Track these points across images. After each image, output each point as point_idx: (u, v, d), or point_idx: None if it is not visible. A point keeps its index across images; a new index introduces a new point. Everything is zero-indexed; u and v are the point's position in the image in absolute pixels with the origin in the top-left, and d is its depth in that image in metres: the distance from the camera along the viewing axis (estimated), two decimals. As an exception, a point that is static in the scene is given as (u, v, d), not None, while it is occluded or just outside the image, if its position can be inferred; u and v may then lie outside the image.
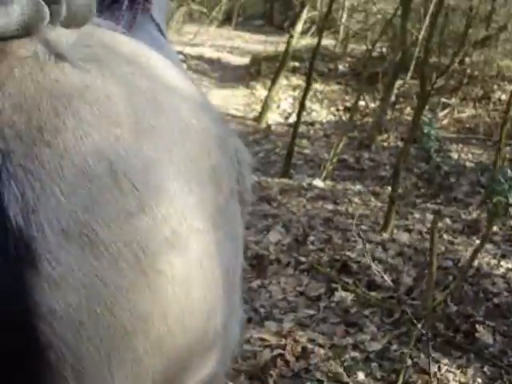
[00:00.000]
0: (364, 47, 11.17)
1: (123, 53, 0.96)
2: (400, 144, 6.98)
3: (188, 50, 12.80)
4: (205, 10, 14.42)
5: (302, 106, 5.76)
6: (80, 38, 0.89)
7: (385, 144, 7.06)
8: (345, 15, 12.77)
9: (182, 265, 0.85)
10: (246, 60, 12.89)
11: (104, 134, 0.79)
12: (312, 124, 7.75)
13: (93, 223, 0.75)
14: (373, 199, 5.22)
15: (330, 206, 4.88)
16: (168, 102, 0.93)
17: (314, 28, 13.21)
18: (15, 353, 0.75)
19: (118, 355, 0.81)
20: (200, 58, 12.40)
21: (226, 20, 18.57)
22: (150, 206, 0.80)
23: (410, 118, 7.68)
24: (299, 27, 8.57)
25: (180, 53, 10.94)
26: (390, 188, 4.91)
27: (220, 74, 11.29)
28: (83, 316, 0.76)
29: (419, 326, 2.60)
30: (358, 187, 5.50)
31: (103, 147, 0.78)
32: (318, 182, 5.33)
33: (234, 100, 9.41)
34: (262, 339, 2.88)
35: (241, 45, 16.12)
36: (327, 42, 12.37)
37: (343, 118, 8.51)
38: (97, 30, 0.99)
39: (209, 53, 13.61)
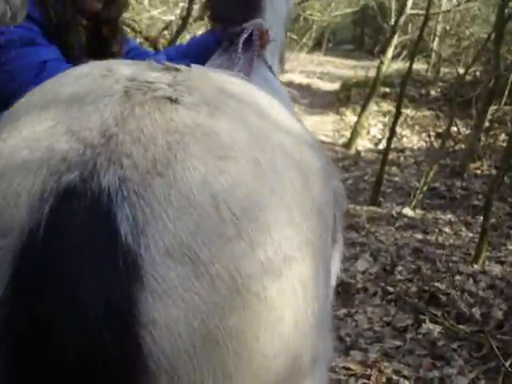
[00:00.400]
0: (456, 72, 11.00)
1: (233, 94, 1.13)
2: (494, 172, 6.82)
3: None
4: (295, 37, 14.62)
5: (392, 133, 5.75)
6: (194, 83, 1.08)
7: (478, 172, 6.90)
8: (437, 39, 12.58)
9: (276, 290, 0.95)
10: (335, 86, 12.98)
11: (210, 167, 0.93)
12: (402, 151, 7.70)
13: (195, 246, 0.88)
14: (464, 229, 5.14)
15: (420, 236, 4.84)
16: (273, 138, 1.07)
17: (404, 53, 13.13)
18: (118, 356, 0.86)
19: (210, 369, 0.90)
20: (290, 84, 12.58)
21: (316, 45, 18.77)
22: (247, 233, 0.92)
23: (504, 145, 7.50)
24: (389, 53, 8.56)
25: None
26: (482, 218, 4.81)
27: (310, 100, 11.43)
28: (181, 328, 0.87)
29: (508, 362, 2.57)
30: (449, 216, 5.42)
31: (208, 179, 0.91)
32: (407, 211, 5.30)
33: (324, 126, 9.50)
34: (347, 368, 2.92)
35: (331, 70, 16.23)
36: (419, 66, 12.25)
37: (434, 144, 8.40)
38: (211, 74, 1.21)
39: (299, 79, 13.82)
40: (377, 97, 9.28)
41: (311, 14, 14.17)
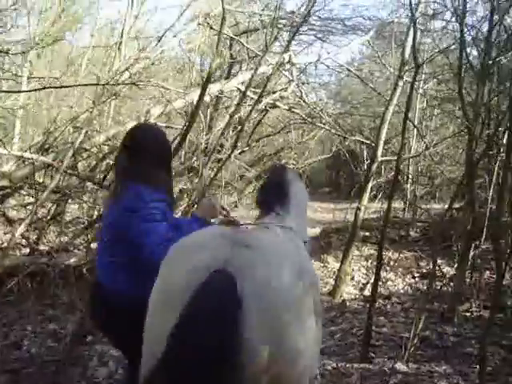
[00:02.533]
0: (433, 211, 11.16)
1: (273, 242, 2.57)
2: (484, 313, 6.66)
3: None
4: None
5: (376, 284, 5.64)
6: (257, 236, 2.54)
7: (467, 314, 6.74)
8: (410, 180, 12.94)
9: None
10: (316, 231, 13.06)
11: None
12: (388, 297, 7.56)
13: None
14: (461, 381, 4.88)
15: (416, 394, 4.58)
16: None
17: (380, 193, 13.42)
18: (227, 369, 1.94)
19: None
20: (271, 232, 12.65)
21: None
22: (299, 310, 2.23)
23: (489, 281, 7.42)
24: (365, 199, 8.68)
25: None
26: (478, 366, 4.59)
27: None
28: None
29: None
30: (444, 368, 5.17)
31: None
32: (400, 366, 5.05)
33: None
34: None
35: (310, 215, 16.42)
36: (395, 205, 12.47)
37: (420, 286, 8.30)
38: (264, 231, 2.82)
39: (280, 226, 13.87)
40: (357, 241, 9.29)
41: (287, 163, 14.58)
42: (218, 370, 1.92)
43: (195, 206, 7.29)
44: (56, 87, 6.86)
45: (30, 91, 8.28)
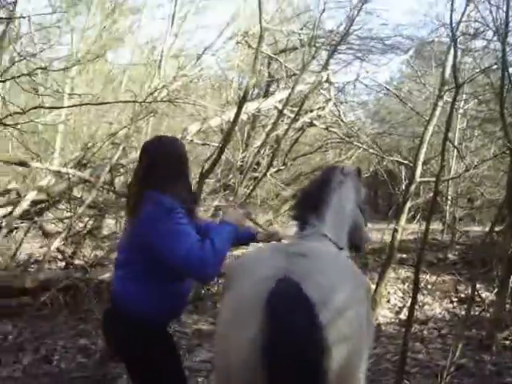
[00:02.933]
0: (473, 234, 10.92)
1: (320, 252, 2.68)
2: (525, 343, 6.43)
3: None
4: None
5: (412, 309, 5.48)
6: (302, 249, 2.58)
7: (507, 342, 6.50)
8: (449, 202, 12.70)
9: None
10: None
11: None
12: (425, 322, 7.36)
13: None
14: (499, 414, 4.69)
15: (452, 425, 4.40)
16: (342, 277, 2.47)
17: (418, 215, 13.19)
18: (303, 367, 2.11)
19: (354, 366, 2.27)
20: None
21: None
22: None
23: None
24: (403, 220, 8.51)
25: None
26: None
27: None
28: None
29: None
30: (481, 399, 4.98)
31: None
32: (434, 395, 4.89)
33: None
34: None
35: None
36: (433, 226, 12.24)
37: (458, 312, 8.08)
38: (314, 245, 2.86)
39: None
40: (393, 263, 9.10)
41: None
42: (314, 372, 2.08)
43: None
44: (96, 104, 6.97)
45: (70, 107, 8.43)
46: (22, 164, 7.61)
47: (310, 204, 3.25)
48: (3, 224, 7.50)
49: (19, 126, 5.18)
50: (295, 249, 2.52)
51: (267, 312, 2.13)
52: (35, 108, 5.66)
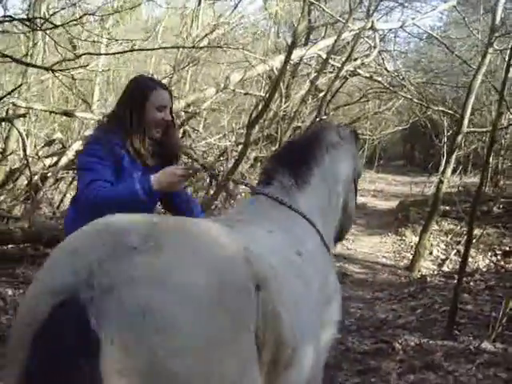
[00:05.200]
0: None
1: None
2: None
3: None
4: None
5: (465, 259, 5.39)
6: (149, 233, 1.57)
7: (556, 295, 6.38)
8: (492, 153, 12.40)
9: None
10: (391, 204, 12.78)
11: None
12: (471, 275, 7.27)
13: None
14: (554, 365, 4.61)
15: (504, 375, 4.36)
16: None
17: (460, 167, 12.95)
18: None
19: None
20: (345, 204, 12.47)
21: (368, 163, 18.86)
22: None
23: None
24: (449, 172, 8.35)
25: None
26: None
27: (367, 221, 11.21)
28: None
29: None
30: (534, 349, 4.90)
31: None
32: (486, 345, 4.83)
33: (383, 247, 9.21)
34: None
35: (385, 188, 16.15)
36: (474, 180, 12.03)
37: (503, 264, 7.96)
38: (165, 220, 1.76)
39: (353, 198, 13.69)
40: (437, 215, 8.98)
41: (362, 134, 14.29)
42: None
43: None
44: (139, 50, 6.87)
45: (111, 54, 8.35)
46: (67, 114, 7.61)
47: (290, 159, 2.55)
48: (48, 174, 7.56)
49: (67, 74, 5.15)
50: (145, 233, 1.57)
51: (32, 352, 1.39)
52: (85, 54, 5.61)
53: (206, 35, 8.08)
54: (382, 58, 9.54)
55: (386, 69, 9.56)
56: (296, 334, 1.86)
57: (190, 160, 7.88)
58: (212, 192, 7.31)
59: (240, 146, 7.86)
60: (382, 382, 4.04)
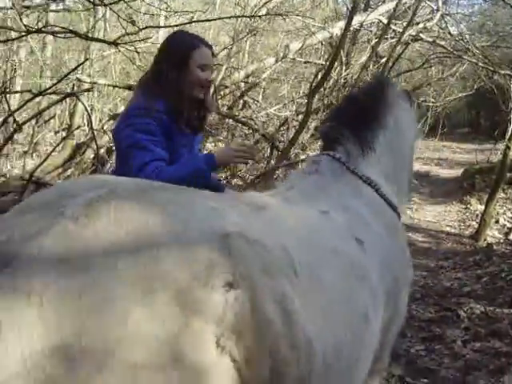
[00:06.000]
0: None
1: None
2: None
3: (394, 165, 12.80)
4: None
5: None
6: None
7: None
8: None
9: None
10: (455, 172, 12.49)
11: None
12: (540, 243, 7.09)
13: None
14: None
15: None
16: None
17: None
18: None
19: None
20: (408, 172, 12.27)
21: (431, 131, 18.40)
22: None
23: None
24: (517, 138, 8.09)
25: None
26: None
27: (430, 189, 11.01)
28: None
29: None
30: None
31: None
32: (555, 314, 4.72)
33: (448, 216, 9.05)
34: None
35: (449, 156, 15.77)
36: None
37: None
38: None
39: (416, 166, 13.45)
40: (503, 183, 8.73)
41: (425, 101, 13.96)
42: None
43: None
44: (198, 21, 6.92)
45: (171, 27, 8.43)
46: (129, 88, 7.77)
47: (353, 121, 2.19)
48: (114, 147, 7.78)
49: (129, 48, 5.26)
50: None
51: None
52: (147, 28, 5.70)
53: (264, 4, 8.04)
54: (445, 22, 9.23)
55: (449, 33, 9.27)
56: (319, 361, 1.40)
57: (251, 130, 7.92)
58: (273, 162, 7.34)
59: (300, 116, 7.83)
60: (447, 349, 4.02)
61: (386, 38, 8.40)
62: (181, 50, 2.43)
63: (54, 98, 7.06)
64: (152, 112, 2.32)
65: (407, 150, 2.46)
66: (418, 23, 8.90)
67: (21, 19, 4.93)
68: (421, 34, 9.23)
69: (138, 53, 5.35)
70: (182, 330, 1.08)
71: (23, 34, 4.84)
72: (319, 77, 6.02)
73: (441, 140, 18.39)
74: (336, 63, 8.63)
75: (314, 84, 5.98)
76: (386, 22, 7.52)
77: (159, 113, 2.34)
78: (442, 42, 9.75)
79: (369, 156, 2.16)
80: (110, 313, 1.02)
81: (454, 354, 3.94)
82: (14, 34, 7.70)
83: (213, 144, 9.43)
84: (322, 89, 8.57)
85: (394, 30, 8.22)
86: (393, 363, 3.73)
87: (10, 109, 6.04)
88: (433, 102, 14.39)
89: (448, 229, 8.26)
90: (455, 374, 3.64)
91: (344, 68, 8.19)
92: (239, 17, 7.02)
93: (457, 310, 4.71)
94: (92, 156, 7.78)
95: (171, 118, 2.38)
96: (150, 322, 1.04)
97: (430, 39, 9.61)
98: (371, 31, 9.73)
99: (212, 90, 2.67)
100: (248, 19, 7.73)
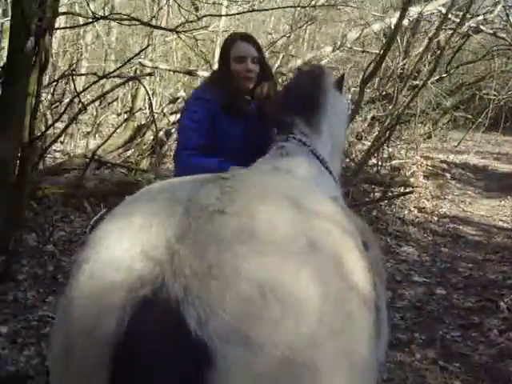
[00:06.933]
0: None
1: (269, 194, 1.35)
2: None
3: (452, 157, 12.64)
4: (469, 116, 14.16)
5: None
6: (237, 192, 1.29)
7: None
8: None
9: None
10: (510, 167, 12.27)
11: (253, 263, 1.13)
12: None
13: (248, 331, 1.07)
14: None
15: None
16: (305, 226, 1.28)
17: None
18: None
19: None
20: (464, 166, 12.12)
21: (493, 125, 17.94)
22: (290, 314, 1.11)
23: None
24: None
25: (444, 161, 10.86)
26: None
27: (485, 183, 10.86)
28: None
29: None
30: None
31: (254, 275, 1.12)
32: None
33: (501, 211, 8.93)
34: None
35: (509, 151, 15.42)
36: None
37: None
38: (251, 179, 1.50)
39: (474, 160, 13.28)
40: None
41: (487, 93, 13.67)
42: None
43: (387, 132, 7.23)
44: (258, 10, 7.09)
45: (231, 15, 8.66)
46: (190, 73, 8.02)
47: (298, 105, 2.44)
48: (172, 130, 8.05)
49: (189, 35, 5.47)
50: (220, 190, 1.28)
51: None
52: (207, 16, 5.91)
53: (322, -7, 8.11)
54: (507, 14, 9.06)
55: (511, 25, 9.09)
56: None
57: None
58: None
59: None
60: (483, 336, 4.09)
61: (446, 29, 8.32)
62: (223, 48, 2.92)
63: (118, 81, 7.38)
64: (202, 101, 2.78)
65: (343, 132, 2.72)
66: (478, 15, 8.79)
67: (88, 5, 5.22)
68: (481, 26, 9.10)
69: (196, 40, 5.56)
70: None
71: (90, 20, 5.14)
72: (372, 66, 6.08)
73: (503, 134, 17.93)
74: (396, 53, 8.66)
75: (366, 73, 6.05)
76: (444, 12, 7.47)
77: (208, 102, 2.77)
78: (503, 35, 9.57)
79: (321, 135, 2.41)
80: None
81: (489, 341, 4.01)
82: (81, 20, 8.06)
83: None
84: (378, 78, 8.62)
85: (454, 22, 8.14)
86: (427, 347, 3.85)
87: (75, 90, 6.39)
88: (495, 95, 14.06)
89: (500, 223, 8.17)
90: (488, 361, 3.72)
91: (401, 58, 8.19)
92: (297, 6, 7.13)
93: (497, 301, 4.75)
94: (151, 138, 8.08)
95: (220, 107, 2.77)
96: None
97: (491, 31, 9.46)
98: (432, 22, 9.65)
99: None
100: (307, 8, 7.83)
